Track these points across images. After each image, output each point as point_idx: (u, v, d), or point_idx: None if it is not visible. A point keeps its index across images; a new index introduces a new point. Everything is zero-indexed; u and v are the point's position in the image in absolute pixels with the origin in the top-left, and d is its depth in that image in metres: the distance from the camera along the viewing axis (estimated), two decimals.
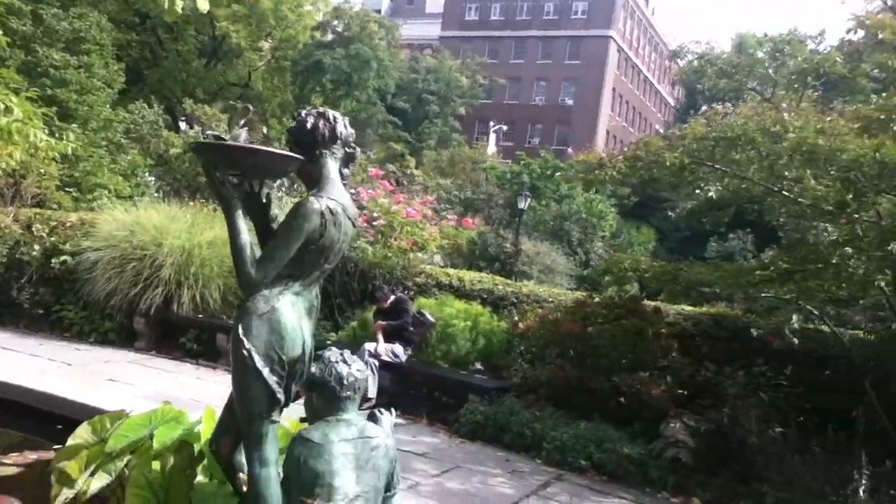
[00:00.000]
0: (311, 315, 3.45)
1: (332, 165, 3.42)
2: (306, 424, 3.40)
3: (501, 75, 50.10)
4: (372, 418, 3.43)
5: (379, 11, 54.71)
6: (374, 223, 9.46)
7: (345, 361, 3.34)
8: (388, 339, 8.38)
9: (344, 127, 3.48)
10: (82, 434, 3.73)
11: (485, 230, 22.93)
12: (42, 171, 12.40)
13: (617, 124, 58.28)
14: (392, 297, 8.74)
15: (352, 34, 31.86)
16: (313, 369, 3.34)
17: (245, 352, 3.19)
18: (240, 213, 3.26)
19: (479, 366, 8.67)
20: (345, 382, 3.28)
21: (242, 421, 3.31)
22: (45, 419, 6.09)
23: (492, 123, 46.37)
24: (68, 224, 10.26)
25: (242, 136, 3.26)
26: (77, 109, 22.74)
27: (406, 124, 36.92)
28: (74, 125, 15.74)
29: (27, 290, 9.96)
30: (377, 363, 8.17)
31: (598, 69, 56.68)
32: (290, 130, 3.49)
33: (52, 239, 10.04)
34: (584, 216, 27.19)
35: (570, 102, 57.18)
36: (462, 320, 8.74)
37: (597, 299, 8.25)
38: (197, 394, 7.63)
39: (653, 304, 8.82)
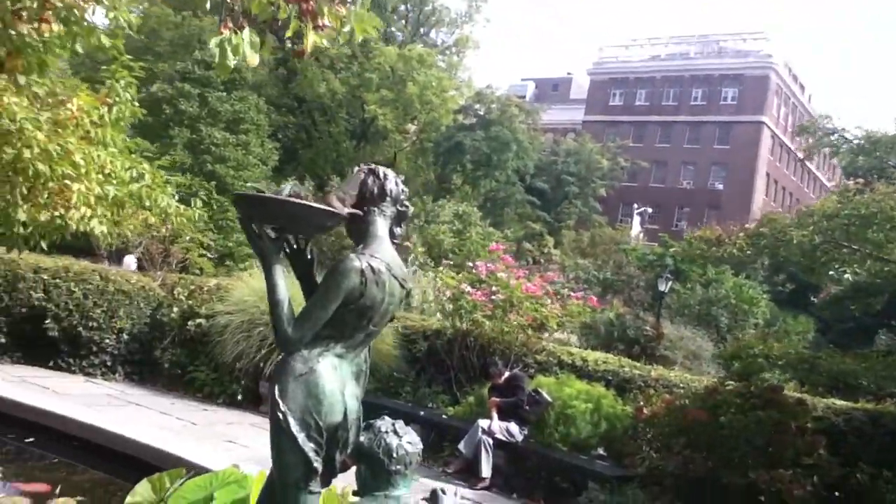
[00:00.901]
0: (358, 380, 3.26)
1: (380, 223, 3.27)
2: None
3: (646, 159, 49.40)
4: (433, 497, 3.16)
5: (523, 97, 55.92)
6: (494, 297, 9.25)
7: (395, 432, 3.10)
8: (503, 417, 8.04)
9: (395, 185, 3.33)
10: (141, 492, 3.66)
11: (623, 312, 22.18)
12: (189, 238, 13.16)
13: (772, 209, 55.60)
14: (506, 374, 8.43)
15: (492, 117, 32.58)
16: (362, 439, 3.12)
17: (280, 414, 3.00)
18: (278, 268, 3.11)
19: (601, 451, 8.12)
20: (394, 455, 3.03)
21: (279, 488, 3.11)
22: None
23: (636, 206, 45.53)
24: (205, 289, 10.72)
25: (286, 191, 3.15)
26: (234, 184, 24.39)
27: (545, 204, 36.94)
28: (202, 193, 16.71)
29: (169, 350, 10.39)
30: (491, 441, 7.83)
31: (750, 154, 54.75)
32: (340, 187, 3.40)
33: (190, 302, 10.49)
34: (733, 301, 25.76)
35: (719, 187, 55.40)
36: (583, 402, 8.27)
37: (729, 386, 7.57)
38: None
39: (797, 395, 7.99)
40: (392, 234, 3.32)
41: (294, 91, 35.08)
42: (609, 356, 10.09)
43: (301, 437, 2.99)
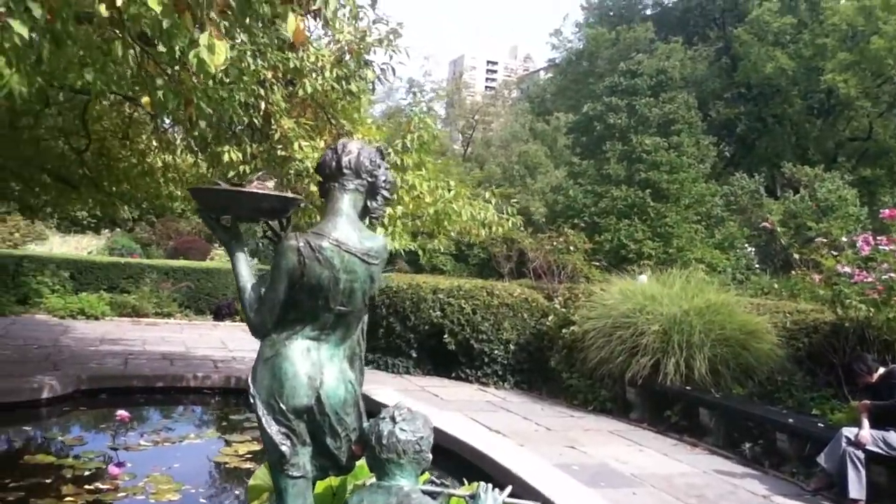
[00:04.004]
0: (353, 364, 3.23)
1: (341, 198, 3.18)
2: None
3: None
4: (474, 497, 2.90)
5: None
6: (885, 277, 7.39)
7: (392, 419, 2.94)
8: (878, 424, 6.41)
9: (357, 156, 3.19)
10: (261, 476, 3.93)
11: None
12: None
13: None
14: (881, 370, 6.69)
15: None
16: (364, 425, 3.09)
17: (251, 398, 3.10)
18: (239, 255, 3.23)
19: None
20: (384, 443, 2.89)
21: (270, 470, 3.23)
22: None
23: None
24: (580, 296, 10.79)
25: (254, 182, 3.18)
26: (668, 188, 24.05)
27: None
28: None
29: (552, 358, 10.72)
30: (861, 454, 6.31)
31: None
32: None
33: (564, 310, 10.68)
34: None
35: None
36: None
37: None
38: (639, 470, 7.11)
39: None
40: (367, 209, 3.25)
41: (739, 79, 33.16)
42: None
43: (266, 419, 3.05)
